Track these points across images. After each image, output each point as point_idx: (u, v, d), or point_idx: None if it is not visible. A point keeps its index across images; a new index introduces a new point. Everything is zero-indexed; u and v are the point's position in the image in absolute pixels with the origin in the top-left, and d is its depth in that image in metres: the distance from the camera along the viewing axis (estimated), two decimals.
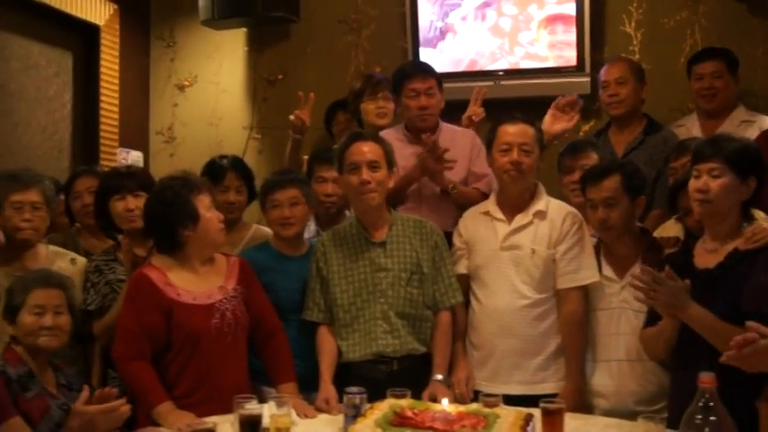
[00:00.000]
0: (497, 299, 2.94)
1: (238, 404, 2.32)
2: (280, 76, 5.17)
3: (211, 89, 5.36)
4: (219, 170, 3.34)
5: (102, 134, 5.02)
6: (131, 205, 3.06)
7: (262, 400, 2.45)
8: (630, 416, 2.57)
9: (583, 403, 2.81)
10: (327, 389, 2.75)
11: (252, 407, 2.31)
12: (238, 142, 5.20)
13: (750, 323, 1.97)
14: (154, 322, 2.62)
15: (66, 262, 3.13)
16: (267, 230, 3.32)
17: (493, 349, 2.94)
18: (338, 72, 4.88)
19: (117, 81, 5.13)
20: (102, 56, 5.01)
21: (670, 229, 3.10)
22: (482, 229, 3.03)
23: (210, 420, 2.31)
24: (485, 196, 3.24)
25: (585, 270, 2.91)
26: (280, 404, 2.38)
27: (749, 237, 2.42)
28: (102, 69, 5.02)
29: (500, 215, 3.01)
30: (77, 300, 2.84)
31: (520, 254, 2.94)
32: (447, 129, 3.48)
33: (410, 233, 2.95)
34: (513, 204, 3.01)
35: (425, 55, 4.68)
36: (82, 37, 5.00)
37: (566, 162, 3.34)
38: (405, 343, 2.85)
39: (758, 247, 2.41)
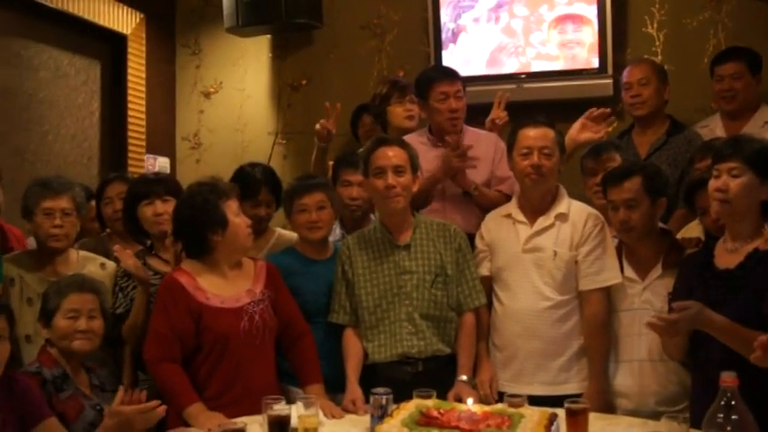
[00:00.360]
0: (520, 301, 2.96)
1: (267, 405, 2.36)
2: (303, 82, 5.21)
3: (236, 95, 5.41)
4: (254, 184, 3.29)
5: (129, 141, 5.08)
6: (160, 210, 3.12)
7: (289, 401, 2.50)
8: (652, 416, 2.59)
9: (606, 404, 2.82)
10: (354, 390, 2.79)
11: (280, 407, 2.35)
12: (263, 148, 5.25)
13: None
14: (184, 325, 2.66)
15: (96, 266, 3.19)
16: (290, 234, 3.36)
17: (516, 351, 2.95)
18: (361, 77, 4.91)
19: (144, 89, 5.20)
20: (130, 64, 5.08)
21: (693, 230, 3.10)
22: (504, 231, 3.05)
23: (240, 421, 2.34)
24: (507, 198, 3.27)
25: (608, 271, 2.92)
26: (307, 405, 2.42)
27: None
28: (130, 77, 5.08)
29: (522, 218, 3.03)
30: (109, 304, 2.91)
31: (542, 256, 2.96)
32: (470, 132, 3.51)
33: (434, 236, 2.98)
34: (535, 207, 3.03)
35: (446, 58, 4.71)
36: (109, 46, 5.07)
37: (588, 164, 3.34)
38: (429, 344, 2.88)
39: None
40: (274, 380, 2.81)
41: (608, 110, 3.53)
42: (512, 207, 3.09)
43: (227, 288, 2.76)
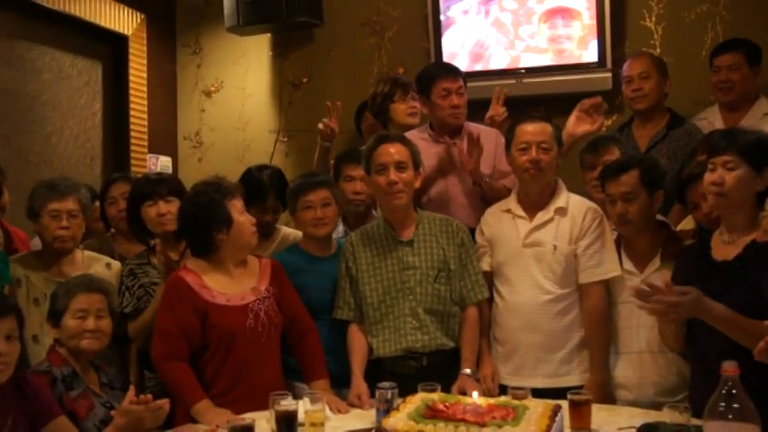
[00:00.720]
0: (520, 295, 2.99)
1: (274, 401, 2.39)
2: (305, 80, 5.24)
3: (238, 94, 5.44)
4: (261, 190, 3.30)
5: (132, 141, 5.12)
6: (163, 210, 3.14)
7: (295, 397, 2.53)
8: (652, 407, 2.62)
9: (607, 395, 2.86)
10: (359, 385, 2.82)
11: (287, 403, 2.38)
12: (265, 146, 5.28)
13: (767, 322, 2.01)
14: (191, 323, 2.69)
15: (101, 266, 3.23)
16: (295, 233, 3.39)
17: (517, 344, 2.99)
18: (362, 74, 4.93)
19: (145, 89, 5.23)
20: (131, 65, 5.11)
21: (692, 223, 3.11)
22: (504, 226, 3.08)
23: (249, 417, 2.37)
24: (510, 192, 3.30)
25: (607, 264, 2.95)
26: (314, 400, 2.45)
27: (766, 230, 2.44)
28: (131, 78, 5.12)
29: (521, 212, 3.06)
30: (116, 303, 2.94)
31: (542, 250, 2.99)
32: (472, 127, 3.53)
33: (437, 231, 3.01)
34: (534, 202, 3.05)
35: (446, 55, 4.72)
36: (111, 47, 5.11)
37: (587, 159, 3.35)
38: (433, 338, 2.91)
39: None
40: (280, 376, 2.84)
41: (598, 98, 3.53)
42: (511, 202, 3.12)
43: (232, 286, 2.79)
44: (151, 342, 2.78)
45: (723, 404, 1.77)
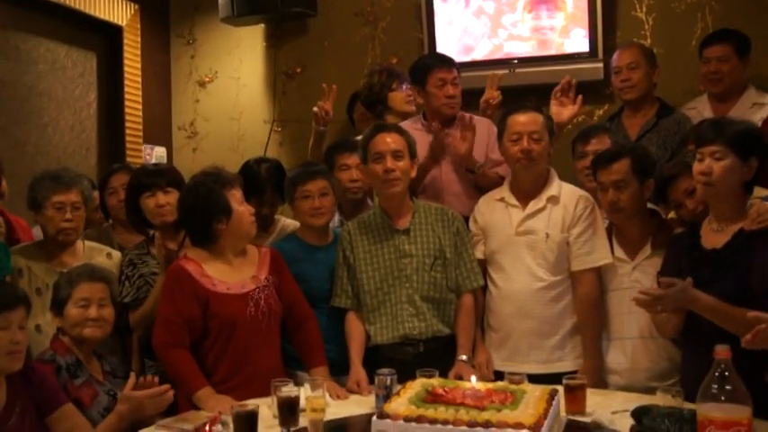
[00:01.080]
0: (514, 282, 3.04)
1: (276, 387, 2.44)
2: (298, 70, 5.26)
3: (232, 84, 5.46)
4: (260, 183, 3.33)
5: (126, 131, 5.13)
6: (162, 201, 3.16)
7: (295, 384, 2.55)
8: (644, 391, 2.68)
9: (600, 380, 2.91)
10: (358, 371, 2.87)
11: (289, 389, 2.42)
12: (259, 136, 5.31)
13: (750, 314, 2.07)
14: (192, 312, 2.73)
15: (102, 256, 3.25)
16: (293, 223, 3.42)
17: (511, 331, 3.04)
18: (356, 64, 4.95)
19: (140, 79, 5.25)
20: (125, 55, 5.13)
21: None
22: (497, 215, 3.13)
23: (252, 403, 2.40)
24: (504, 180, 3.35)
25: (598, 252, 3.00)
26: (314, 386, 2.50)
27: (754, 218, 2.49)
28: (126, 68, 5.13)
29: (514, 201, 3.10)
30: (117, 293, 2.96)
31: (535, 238, 3.04)
32: (464, 117, 3.57)
33: (432, 220, 3.06)
34: (527, 190, 3.10)
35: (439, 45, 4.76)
36: (105, 38, 5.12)
37: (578, 148, 3.39)
38: (430, 325, 2.96)
39: (764, 228, 2.47)
40: (280, 363, 2.88)
41: (568, 78, 3.55)
42: (504, 191, 3.16)
43: (232, 275, 2.83)
44: (152, 331, 2.81)
45: (716, 386, 1.82)
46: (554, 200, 3.07)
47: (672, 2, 4.50)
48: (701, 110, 3.92)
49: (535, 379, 2.63)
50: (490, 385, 2.32)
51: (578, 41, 4.56)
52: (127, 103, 5.14)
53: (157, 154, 5.35)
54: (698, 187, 2.61)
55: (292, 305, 2.95)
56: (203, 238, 2.84)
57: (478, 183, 3.44)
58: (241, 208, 2.84)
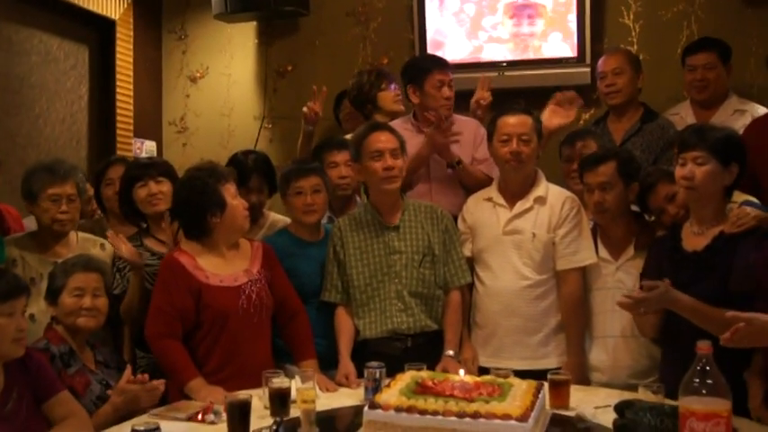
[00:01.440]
0: (500, 280, 3.09)
1: (268, 378, 2.48)
2: (289, 68, 5.30)
3: (223, 81, 5.48)
4: (245, 171, 3.38)
5: (117, 125, 5.14)
6: (154, 190, 3.21)
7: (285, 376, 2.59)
8: (625, 388, 2.73)
9: (583, 377, 2.97)
10: (346, 365, 2.92)
11: (281, 381, 2.47)
12: (250, 132, 5.34)
13: (728, 314, 2.12)
14: (185, 303, 2.76)
15: (96, 248, 3.27)
16: (283, 218, 3.46)
17: (496, 328, 3.09)
18: (346, 64, 5.00)
19: (131, 73, 5.26)
20: (118, 49, 5.14)
21: None
22: (485, 214, 3.18)
23: (242, 394, 2.42)
24: (488, 177, 3.41)
25: (583, 252, 3.06)
26: (305, 378, 2.55)
27: (734, 221, 2.57)
28: (117, 62, 5.14)
29: (502, 201, 3.16)
30: (111, 284, 3.00)
31: (521, 238, 3.09)
32: (454, 118, 3.62)
33: (422, 218, 3.11)
34: (515, 191, 3.16)
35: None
36: (98, 31, 5.13)
37: (566, 151, 3.46)
38: (418, 320, 3.01)
39: (743, 231, 2.56)
40: (270, 356, 2.91)
41: (572, 92, 3.61)
42: (492, 191, 3.22)
43: (225, 268, 2.87)
44: (143, 322, 2.85)
45: (697, 380, 1.87)
46: (541, 200, 3.13)
47: (659, 10, 4.59)
48: (683, 116, 3.97)
49: (520, 375, 2.65)
50: (478, 378, 2.38)
51: (557, 46, 4.65)
52: (118, 96, 5.15)
53: (147, 148, 5.37)
54: (680, 191, 2.69)
55: (283, 299, 2.99)
56: (197, 232, 2.88)
57: (462, 180, 3.49)
58: (235, 202, 2.88)
